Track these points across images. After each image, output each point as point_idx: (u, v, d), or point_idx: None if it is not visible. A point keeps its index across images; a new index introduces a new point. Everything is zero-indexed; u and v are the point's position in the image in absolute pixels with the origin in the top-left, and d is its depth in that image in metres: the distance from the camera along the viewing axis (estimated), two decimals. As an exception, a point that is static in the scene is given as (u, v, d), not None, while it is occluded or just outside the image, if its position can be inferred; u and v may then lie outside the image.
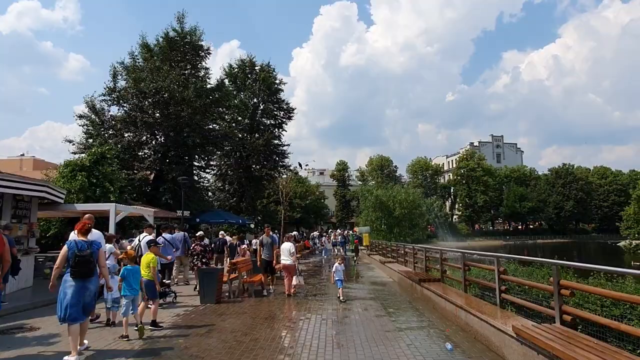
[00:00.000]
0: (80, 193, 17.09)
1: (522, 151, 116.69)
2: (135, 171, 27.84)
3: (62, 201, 14.39)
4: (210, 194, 41.19)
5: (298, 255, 25.48)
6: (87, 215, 9.41)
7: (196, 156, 33.33)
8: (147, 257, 8.10)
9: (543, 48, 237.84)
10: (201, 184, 36.20)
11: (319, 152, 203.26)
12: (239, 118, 42.72)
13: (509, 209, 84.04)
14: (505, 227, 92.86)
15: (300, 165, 35.14)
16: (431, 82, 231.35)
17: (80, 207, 14.71)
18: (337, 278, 11.73)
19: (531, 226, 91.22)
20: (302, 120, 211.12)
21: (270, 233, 13.22)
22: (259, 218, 43.64)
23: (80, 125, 28.41)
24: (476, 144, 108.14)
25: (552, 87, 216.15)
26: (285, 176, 47.43)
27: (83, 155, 18.12)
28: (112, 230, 14.09)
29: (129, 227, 19.60)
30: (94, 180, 17.67)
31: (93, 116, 28.64)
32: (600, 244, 69.68)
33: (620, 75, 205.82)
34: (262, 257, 12.75)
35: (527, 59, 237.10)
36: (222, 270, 11.46)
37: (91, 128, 28.05)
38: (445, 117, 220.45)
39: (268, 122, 43.95)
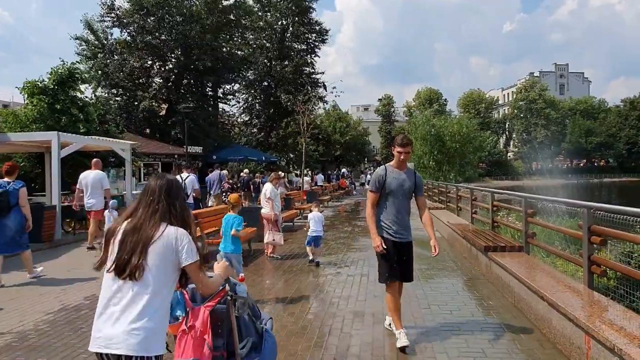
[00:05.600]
0: (39, 122, 13.42)
1: (590, 81, 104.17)
2: (138, 101, 24.14)
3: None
4: (236, 129, 37.39)
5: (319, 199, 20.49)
6: (94, 160, 9.61)
7: (214, 85, 29.24)
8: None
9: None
10: (222, 117, 32.32)
11: (366, 88, 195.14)
12: (267, 44, 37.66)
13: (573, 145, 75.69)
14: (567, 165, 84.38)
15: (324, 87, 30.83)
16: (487, 12, 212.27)
17: (15, 137, 11.02)
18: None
19: (596, 164, 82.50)
20: (349, 57, 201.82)
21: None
22: (291, 155, 39.71)
23: (76, 52, 24.71)
24: (537, 74, 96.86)
25: (625, 12, 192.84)
26: (321, 109, 42.81)
27: (47, 75, 14.28)
28: (55, 168, 10.42)
29: (111, 165, 15.94)
30: (58, 107, 13.90)
31: (91, 37, 24.78)
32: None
33: None
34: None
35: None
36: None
37: (87, 51, 24.25)
38: (501, 49, 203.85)
39: (298, 46, 38.63)
